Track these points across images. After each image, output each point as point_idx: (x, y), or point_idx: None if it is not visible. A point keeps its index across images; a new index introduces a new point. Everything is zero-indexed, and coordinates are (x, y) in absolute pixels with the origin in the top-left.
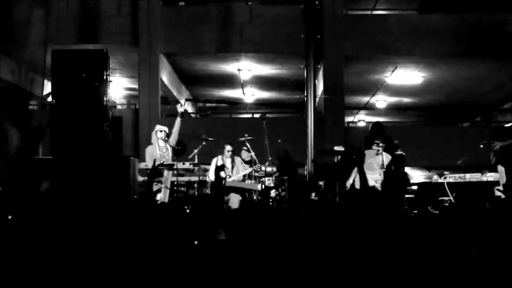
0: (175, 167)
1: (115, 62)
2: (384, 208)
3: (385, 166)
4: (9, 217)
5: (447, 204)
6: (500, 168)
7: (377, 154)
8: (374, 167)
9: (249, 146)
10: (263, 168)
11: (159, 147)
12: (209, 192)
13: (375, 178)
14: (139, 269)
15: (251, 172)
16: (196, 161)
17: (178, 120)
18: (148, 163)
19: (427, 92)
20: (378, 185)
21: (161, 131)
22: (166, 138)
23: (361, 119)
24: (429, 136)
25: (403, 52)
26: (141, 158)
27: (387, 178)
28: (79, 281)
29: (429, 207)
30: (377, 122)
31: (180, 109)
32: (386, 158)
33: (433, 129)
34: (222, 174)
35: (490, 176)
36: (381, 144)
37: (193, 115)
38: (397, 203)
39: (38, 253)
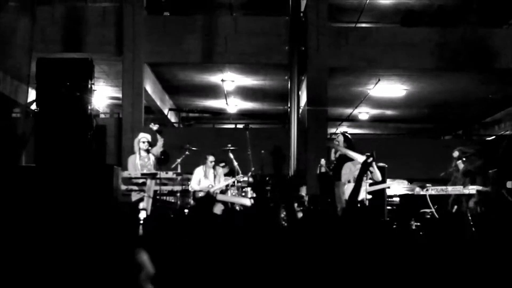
0: (158, 176)
1: (99, 71)
2: (367, 221)
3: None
4: None
5: (428, 217)
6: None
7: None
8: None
9: (232, 156)
10: (245, 179)
11: (140, 156)
12: (192, 201)
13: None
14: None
15: (234, 182)
16: (179, 171)
17: (159, 138)
18: (130, 172)
19: (409, 105)
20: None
21: (143, 142)
22: (149, 148)
23: (344, 131)
24: (411, 148)
25: (387, 65)
26: (124, 167)
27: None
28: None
29: (412, 220)
30: (346, 133)
31: (154, 127)
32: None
33: (416, 141)
34: (204, 184)
35: (472, 189)
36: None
37: (176, 125)
38: (378, 215)
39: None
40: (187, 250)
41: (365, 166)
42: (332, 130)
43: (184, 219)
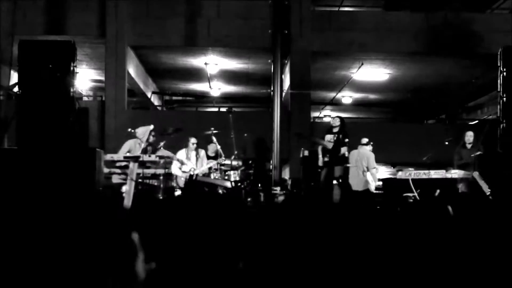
0: (140, 159)
1: (82, 53)
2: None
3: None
4: None
5: (411, 201)
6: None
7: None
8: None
9: (215, 139)
10: (228, 162)
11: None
12: (174, 184)
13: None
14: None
15: (216, 165)
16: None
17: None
18: (113, 155)
19: (393, 89)
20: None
21: (153, 135)
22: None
23: (327, 114)
24: (394, 132)
25: (370, 48)
26: (107, 150)
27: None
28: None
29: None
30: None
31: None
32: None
33: (398, 125)
34: (186, 167)
35: (454, 173)
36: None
37: (159, 108)
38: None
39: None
40: (175, 234)
41: None
42: (315, 114)
43: (173, 203)
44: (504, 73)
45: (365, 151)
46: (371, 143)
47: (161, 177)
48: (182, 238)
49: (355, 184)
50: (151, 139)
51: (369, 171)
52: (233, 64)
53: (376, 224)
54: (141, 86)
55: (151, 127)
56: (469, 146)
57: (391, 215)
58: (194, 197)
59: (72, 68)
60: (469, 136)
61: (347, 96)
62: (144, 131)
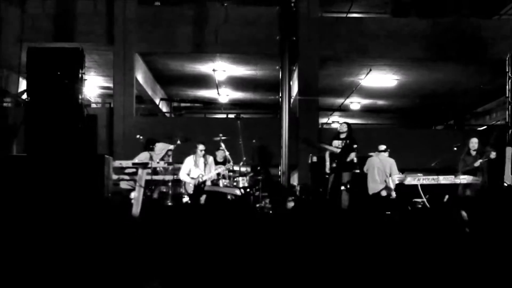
0: (149, 166)
1: (90, 60)
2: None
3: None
4: None
5: (420, 206)
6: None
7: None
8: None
9: (224, 146)
10: (236, 168)
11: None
12: (183, 191)
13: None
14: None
15: (225, 170)
16: (170, 160)
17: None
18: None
19: (401, 95)
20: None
21: (169, 155)
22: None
23: (335, 120)
24: (402, 138)
25: (378, 55)
26: (116, 156)
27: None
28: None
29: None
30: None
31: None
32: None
33: (407, 131)
34: (195, 174)
35: (463, 179)
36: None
37: (167, 115)
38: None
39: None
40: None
41: None
42: (324, 120)
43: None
44: None
45: (386, 157)
46: (388, 149)
47: (170, 183)
48: (193, 246)
49: (376, 188)
50: (167, 158)
51: (391, 177)
52: (241, 70)
53: (386, 230)
54: (149, 92)
55: (171, 147)
56: (473, 153)
57: (403, 222)
58: (203, 205)
59: (80, 75)
60: (474, 143)
61: (355, 102)
62: (162, 148)
